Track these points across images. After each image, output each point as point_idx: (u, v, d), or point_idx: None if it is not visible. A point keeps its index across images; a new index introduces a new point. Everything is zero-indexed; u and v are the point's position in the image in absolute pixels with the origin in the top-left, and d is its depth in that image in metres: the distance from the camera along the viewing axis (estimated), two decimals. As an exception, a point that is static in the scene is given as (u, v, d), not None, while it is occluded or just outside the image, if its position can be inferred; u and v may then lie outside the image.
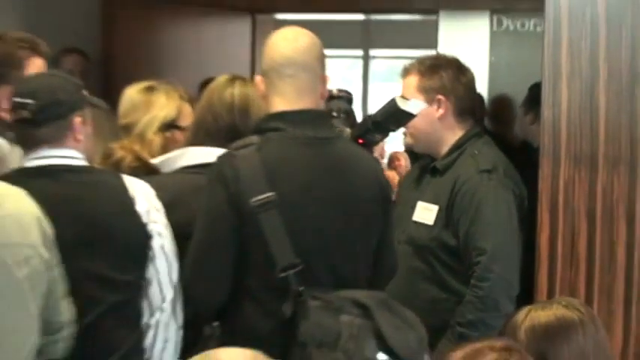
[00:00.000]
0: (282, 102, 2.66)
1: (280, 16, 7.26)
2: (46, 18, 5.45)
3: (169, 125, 2.95)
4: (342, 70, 10.03)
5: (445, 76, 3.27)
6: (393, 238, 2.77)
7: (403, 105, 2.77)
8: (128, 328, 2.52)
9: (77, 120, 2.57)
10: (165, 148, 3.03)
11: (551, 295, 3.04)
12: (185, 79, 4.24)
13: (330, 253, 2.58)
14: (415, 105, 2.92)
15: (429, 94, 3.20)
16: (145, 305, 2.59)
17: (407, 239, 3.04)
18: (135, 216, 2.58)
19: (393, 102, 2.78)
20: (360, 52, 9.70)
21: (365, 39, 9.53)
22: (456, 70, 3.31)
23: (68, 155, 2.58)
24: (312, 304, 2.51)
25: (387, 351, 2.47)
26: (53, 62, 3.60)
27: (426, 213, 3.08)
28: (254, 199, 2.51)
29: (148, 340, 2.57)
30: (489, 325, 2.86)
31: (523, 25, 5.81)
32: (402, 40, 8.55)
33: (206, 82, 3.42)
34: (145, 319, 2.58)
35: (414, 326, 2.52)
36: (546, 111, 3.08)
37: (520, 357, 1.92)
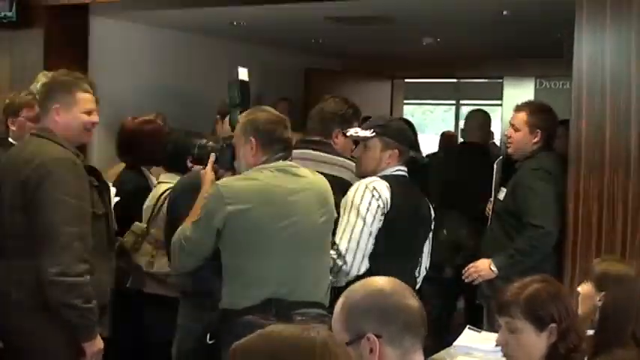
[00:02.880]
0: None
1: (408, 80, 9.00)
2: (271, 76, 6.93)
3: None
4: (441, 113, 13.25)
5: (543, 116, 3.93)
6: None
7: None
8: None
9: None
10: None
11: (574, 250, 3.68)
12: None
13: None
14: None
15: (531, 127, 3.98)
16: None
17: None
18: None
19: None
20: (453, 102, 12.23)
21: (456, 93, 11.90)
22: (551, 113, 3.97)
23: (403, 169, 3.43)
24: None
25: None
26: (273, 106, 4.16)
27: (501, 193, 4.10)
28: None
29: None
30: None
31: (555, 85, 7.16)
32: (479, 94, 10.79)
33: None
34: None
35: None
36: (573, 136, 3.72)
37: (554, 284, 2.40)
